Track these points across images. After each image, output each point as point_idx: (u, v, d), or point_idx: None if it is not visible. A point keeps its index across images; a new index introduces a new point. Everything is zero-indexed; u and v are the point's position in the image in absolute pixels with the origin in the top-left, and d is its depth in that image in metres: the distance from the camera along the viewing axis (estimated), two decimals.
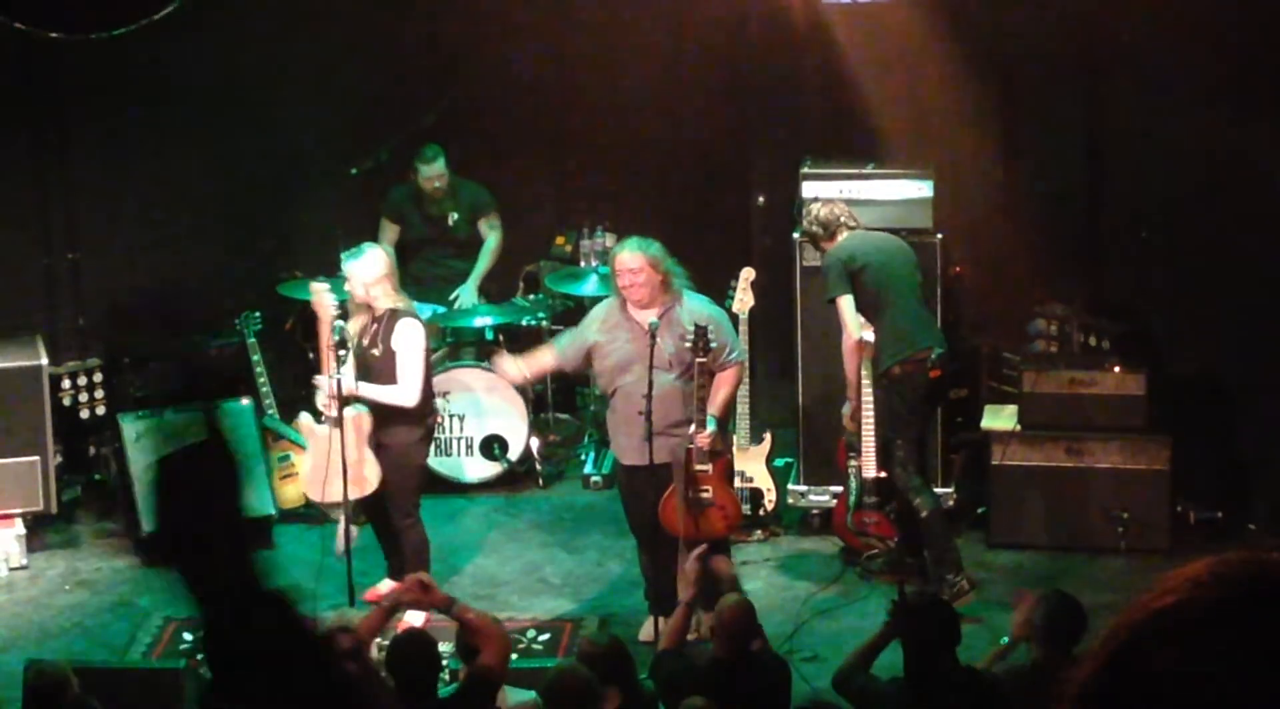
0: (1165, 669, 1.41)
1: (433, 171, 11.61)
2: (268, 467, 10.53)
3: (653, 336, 8.90)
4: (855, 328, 9.56)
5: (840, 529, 10.19)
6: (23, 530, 10.35)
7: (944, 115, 10.73)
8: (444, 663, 8.59)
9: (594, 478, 11.28)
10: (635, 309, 9.15)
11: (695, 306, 9.17)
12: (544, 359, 9.64)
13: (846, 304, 9.55)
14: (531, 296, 11.79)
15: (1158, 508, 10.08)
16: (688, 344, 8.93)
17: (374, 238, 11.76)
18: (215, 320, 11.47)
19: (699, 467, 9.05)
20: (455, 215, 11.79)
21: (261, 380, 10.87)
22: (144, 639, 9.48)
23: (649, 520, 9.16)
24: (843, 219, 9.74)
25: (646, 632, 9.29)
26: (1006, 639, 7.52)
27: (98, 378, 10.99)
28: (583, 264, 11.75)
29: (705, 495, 9.08)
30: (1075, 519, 10.17)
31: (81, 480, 10.97)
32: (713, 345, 8.93)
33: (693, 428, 8.98)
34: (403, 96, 12.25)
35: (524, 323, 11.46)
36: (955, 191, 10.49)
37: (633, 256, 9.12)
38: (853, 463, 10.02)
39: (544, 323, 11.48)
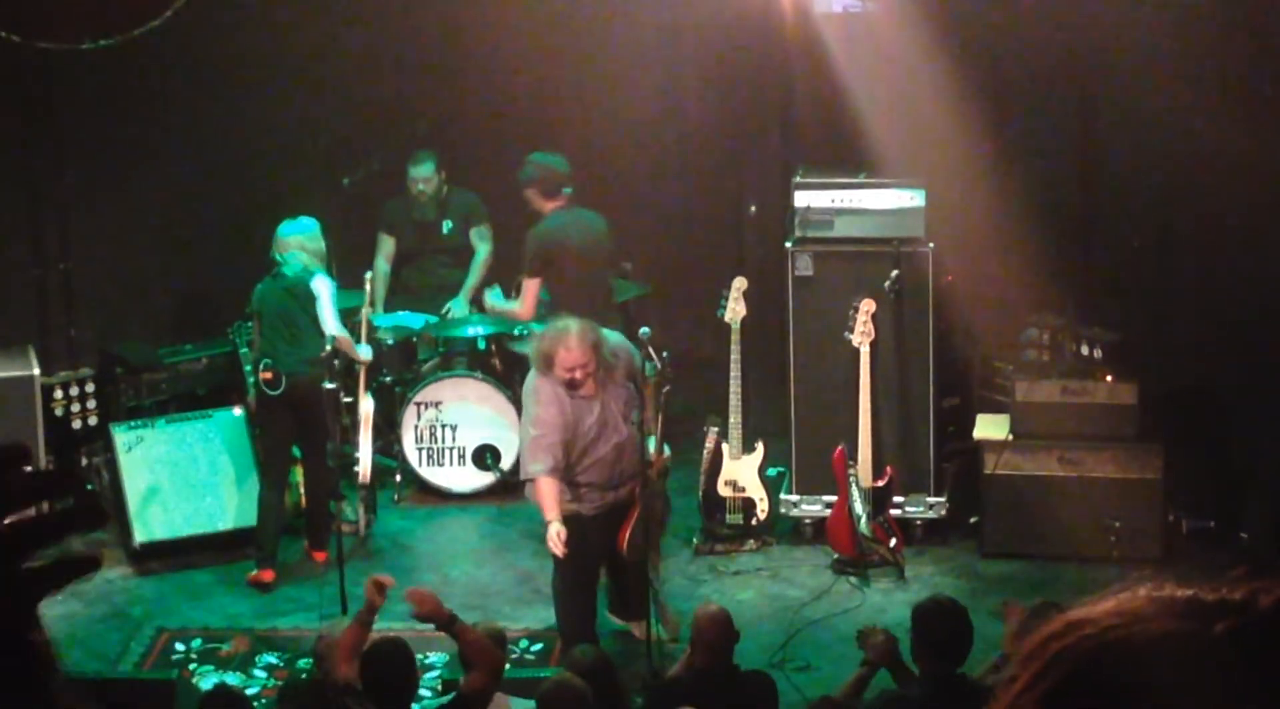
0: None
1: (419, 173, 11.61)
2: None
3: (649, 355, 8.72)
4: (531, 311, 10.07)
5: (840, 538, 10.11)
6: None
7: (936, 124, 10.73)
8: (437, 672, 8.62)
9: None
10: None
11: (612, 343, 8.81)
12: (553, 493, 8.54)
13: (534, 288, 10.05)
14: None
15: (1150, 517, 10.08)
16: (651, 360, 8.70)
17: (369, 249, 11.79)
18: (207, 330, 11.47)
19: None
20: (449, 223, 11.78)
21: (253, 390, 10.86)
22: (136, 650, 9.47)
23: (593, 564, 8.97)
24: (565, 188, 9.92)
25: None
26: (1000, 653, 7.49)
27: (89, 388, 10.96)
28: None
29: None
30: (1068, 528, 10.15)
31: None
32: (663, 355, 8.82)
33: (653, 449, 8.81)
34: (395, 106, 12.26)
35: (516, 333, 11.45)
36: (947, 201, 10.49)
37: (579, 352, 8.40)
38: (852, 472, 10.02)
39: (536, 332, 11.46)
